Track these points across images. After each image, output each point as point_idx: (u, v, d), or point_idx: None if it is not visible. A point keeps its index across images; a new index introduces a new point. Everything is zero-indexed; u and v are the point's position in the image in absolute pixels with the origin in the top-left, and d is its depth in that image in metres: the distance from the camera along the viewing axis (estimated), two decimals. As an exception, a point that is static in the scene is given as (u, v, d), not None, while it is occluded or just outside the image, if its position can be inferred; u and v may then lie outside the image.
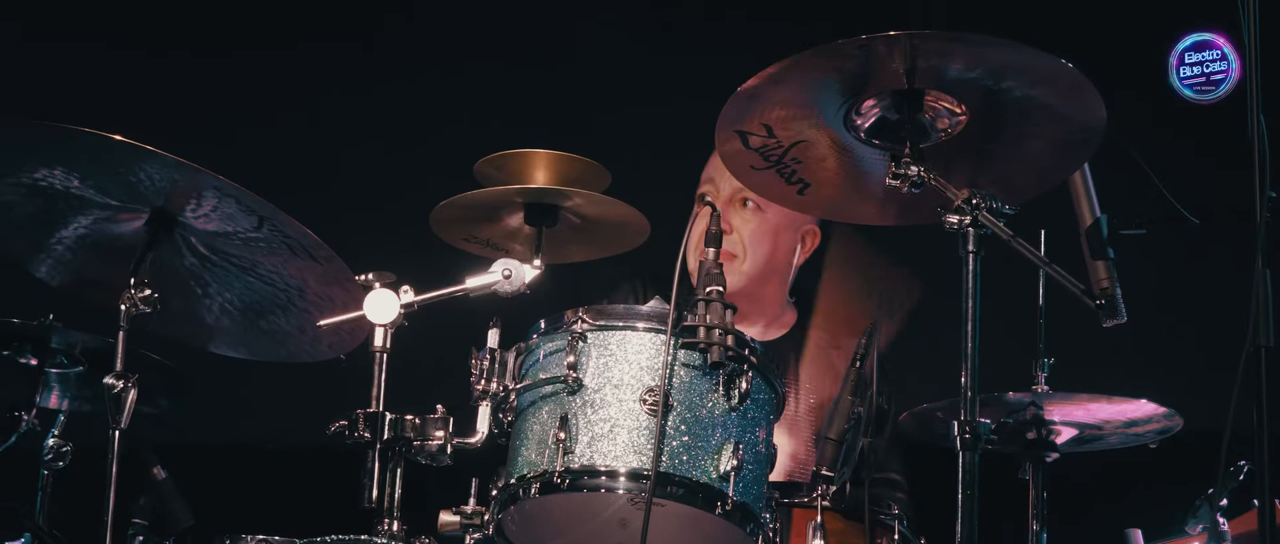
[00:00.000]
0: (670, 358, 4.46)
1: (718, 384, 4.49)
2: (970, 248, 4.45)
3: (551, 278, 4.84)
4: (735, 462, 4.42)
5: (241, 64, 7.04)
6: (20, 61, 6.98)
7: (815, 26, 4.79)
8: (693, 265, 5.01)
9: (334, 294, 4.86)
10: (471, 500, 4.62)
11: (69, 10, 7.04)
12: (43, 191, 4.82)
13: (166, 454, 5.14)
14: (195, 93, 6.97)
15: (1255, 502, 5.07)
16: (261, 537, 4.83)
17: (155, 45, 7.01)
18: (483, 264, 4.80)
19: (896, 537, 4.74)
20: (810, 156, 4.80)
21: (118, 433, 4.62)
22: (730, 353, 4.46)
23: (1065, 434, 5.12)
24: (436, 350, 4.79)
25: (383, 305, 4.67)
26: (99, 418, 4.99)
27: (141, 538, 5.01)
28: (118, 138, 4.65)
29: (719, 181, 5.71)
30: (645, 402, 4.45)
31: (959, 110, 4.67)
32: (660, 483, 4.38)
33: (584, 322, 4.54)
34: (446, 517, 4.62)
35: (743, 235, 5.72)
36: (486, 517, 4.56)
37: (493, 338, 4.64)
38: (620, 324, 4.55)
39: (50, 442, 5.20)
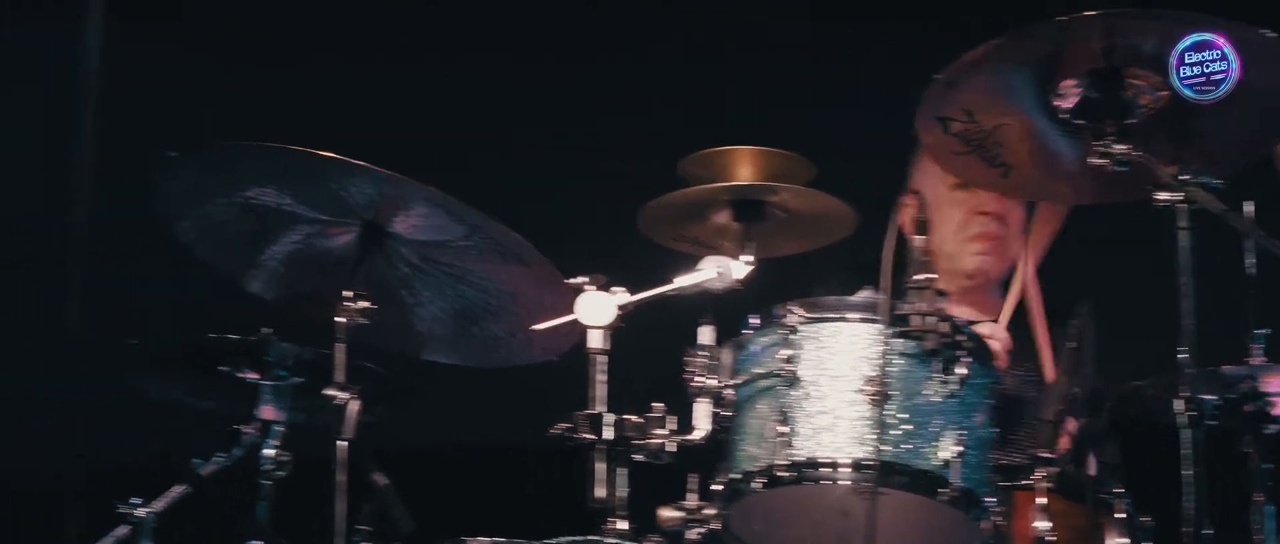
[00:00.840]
0: (886, 346, 4.47)
1: (935, 371, 4.51)
2: (1182, 224, 4.44)
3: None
4: (957, 447, 4.44)
5: (409, 67, 7.11)
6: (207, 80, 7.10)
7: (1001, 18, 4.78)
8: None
9: (545, 298, 4.91)
10: (691, 496, 4.65)
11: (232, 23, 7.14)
12: (255, 209, 4.93)
13: (383, 461, 5.21)
14: (380, 102, 7.07)
15: None
16: (483, 538, 4.91)
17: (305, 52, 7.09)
18: (682, 261, 4.83)
19: (1121, 516, 4.72)
20: (1010, 138, 4.80)
21: (343, 443, 4.71)
22: (945, 339, 4.47)
23: (1284, 405, 5.08)
24: (633, 349, 4.82)
25: (596, 307, 4.72)
26: (313, 428, 5.10)
27: (366, 544, 5.08)
28: (327, 155, 4.75)
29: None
30: (864, 392, 4.46)
31: (1160, 85, 4.65)
32: (884, 472, 4.40)
33: (796, 315, 4.56)
34: (667, 513, 4.63)
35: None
36: (711, 512, 4.59)
37: (707, 334, 4.67)
38: (833, 316, 4.57)
39: (269, 452, 5.28)
